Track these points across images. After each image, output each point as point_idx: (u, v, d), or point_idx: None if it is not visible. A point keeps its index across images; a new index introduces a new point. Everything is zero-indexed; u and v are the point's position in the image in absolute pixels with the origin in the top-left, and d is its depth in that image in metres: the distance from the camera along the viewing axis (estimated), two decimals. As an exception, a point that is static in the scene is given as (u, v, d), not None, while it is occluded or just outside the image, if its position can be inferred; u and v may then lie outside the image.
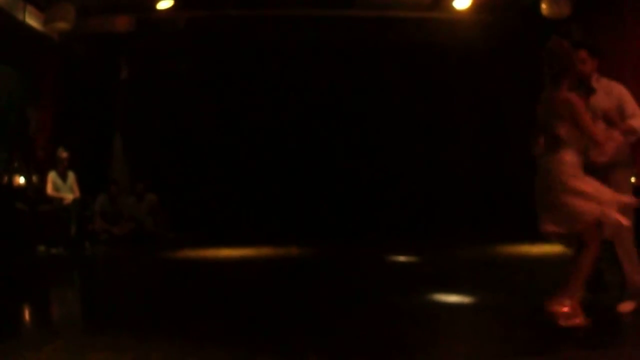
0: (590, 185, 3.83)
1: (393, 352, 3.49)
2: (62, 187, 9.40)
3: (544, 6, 9.50)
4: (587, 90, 4.30)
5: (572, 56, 4.00)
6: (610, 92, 4.29)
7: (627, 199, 3.94)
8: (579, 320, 3.75)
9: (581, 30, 10.87)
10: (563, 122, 3.84)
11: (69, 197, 9.30)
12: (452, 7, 9.97)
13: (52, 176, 9.38)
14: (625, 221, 3.77)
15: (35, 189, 9.21)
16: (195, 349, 3.51)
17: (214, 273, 7.13)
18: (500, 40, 10.65)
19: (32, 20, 9.49)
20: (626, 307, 4.21)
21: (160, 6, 9.88)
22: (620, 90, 4.30)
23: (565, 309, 3.78)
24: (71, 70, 10.70)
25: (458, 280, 5.94)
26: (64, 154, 9.44)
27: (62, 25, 9.53)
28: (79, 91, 10.87)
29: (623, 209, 3.82)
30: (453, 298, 5.14)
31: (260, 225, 11.07)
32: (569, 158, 3.84)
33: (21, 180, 8.90)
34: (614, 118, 4.19)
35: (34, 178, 9.30)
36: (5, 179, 8.70)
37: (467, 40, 10.53)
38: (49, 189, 9.31)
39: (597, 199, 3.77)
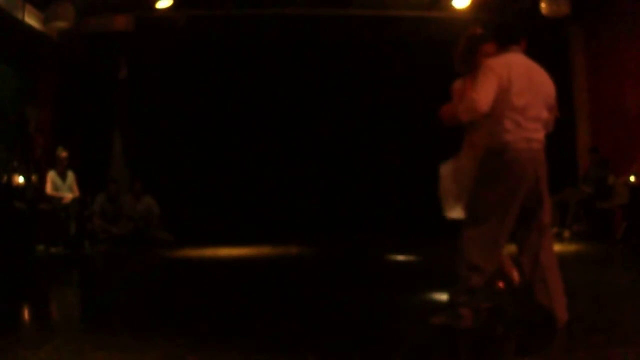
0: None
1: (393, 352, 3.49)
2: (62, 187, 9.40)
3: (543, 5, 9.51)
4: None
5: (475, 48, 4.08)
6: None
7: None
8: None
9: (581, 29, 10.91)
10: None
11: (68, 196, 9.30)
12: (451, 6, 9.99)
13: (51, 175, 9.38)
14: None
15: (35, 188, 9.20)
16: (195, 348, 3.51)
17: (214, 272, 7.13)
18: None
19: (31, 20, 9.49)
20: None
21: (160, 5, 9.88)
22: None
23: None
24: (70, 69, 10.70)
25: (457, 280, 5.92)
26: (63, 154, 9.44)
27: (61, 24, 9.54)
28: (78, 90, 10.87)
29: None
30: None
31: (259, 225, 11.07)
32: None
33: (20, 179, 8.89)
34: None
35: (33, 177, 9.29)
36: (5, 178, 8.69)
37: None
38: (48, 188, 9.31)
39: None
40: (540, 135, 3.85)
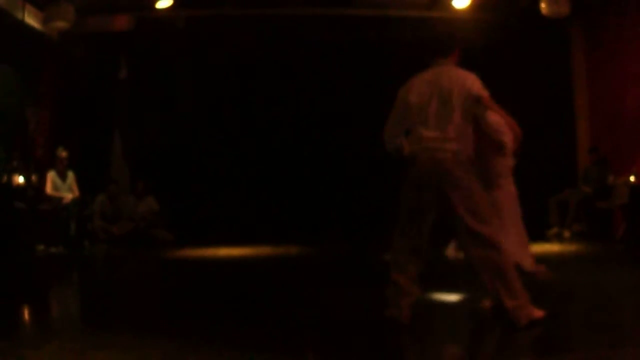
0: None
1: (391, 352, 3.49)
2: (62, 187, 9.40)
3: (543, 5, 9.50)
4: None
5: None
6: None
7: None
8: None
9: (581, 29, 10.91)
10: None
11: (68, 196, 9.30)
12: (451, 6, 9.98)
13: (51, 175, 9.38)
14: None
15: (35, 188, 9.21)
16: (195, 348, 3.51)
17: (214, 273, 7.13)
18: (499, 39, 10.65)
19: (31, 20, 9.50)
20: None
21: (160, 5, 9.88)
22: None
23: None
24: (70, 69, 10.70)
25: (456, 280, 5.94)
26: (63, 153, 9.44)
27: (61, 24, 9.54)
28: (78, 90, 10.87)
29: None
30: (452, 298, 5.14)
31: (259, 225, 11.06)
32: None
33: (20, 179, 8.90)
34: None
35: (33, 177, 9.30)
36: (5, 178, 8.70)
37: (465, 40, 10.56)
38: (48, 188, 9.31)
39: None
40: (449, 145, 3.84)
